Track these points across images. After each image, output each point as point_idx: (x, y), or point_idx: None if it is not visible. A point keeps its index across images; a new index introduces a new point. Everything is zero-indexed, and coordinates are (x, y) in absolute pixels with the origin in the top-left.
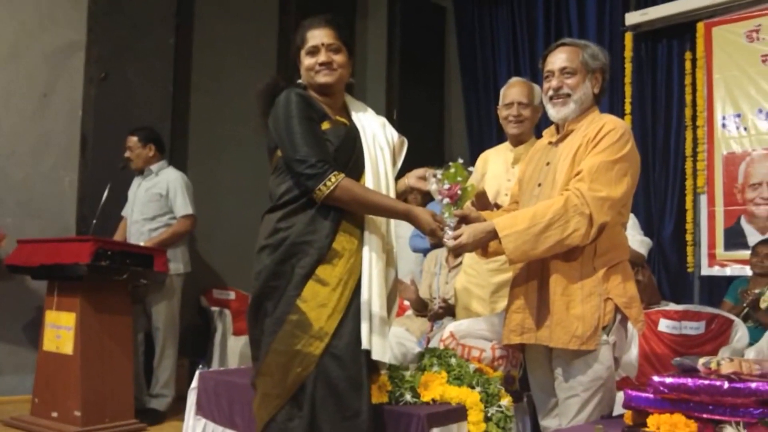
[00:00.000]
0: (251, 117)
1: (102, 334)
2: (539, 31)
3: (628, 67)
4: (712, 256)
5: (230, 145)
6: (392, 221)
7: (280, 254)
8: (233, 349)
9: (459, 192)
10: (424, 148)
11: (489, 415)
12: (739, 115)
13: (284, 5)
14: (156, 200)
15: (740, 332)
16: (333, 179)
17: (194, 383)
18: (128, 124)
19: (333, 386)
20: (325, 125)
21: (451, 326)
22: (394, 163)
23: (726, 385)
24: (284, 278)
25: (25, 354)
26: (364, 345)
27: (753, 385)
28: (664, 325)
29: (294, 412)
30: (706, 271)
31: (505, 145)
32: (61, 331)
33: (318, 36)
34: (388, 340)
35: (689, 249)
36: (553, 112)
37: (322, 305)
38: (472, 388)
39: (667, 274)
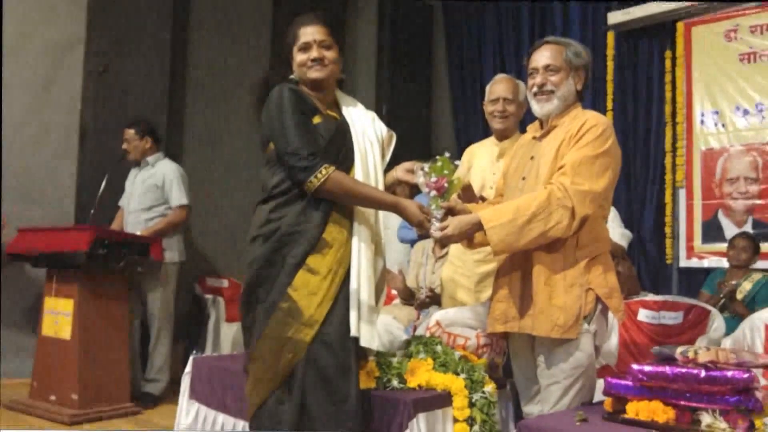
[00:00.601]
0: (245, 110)
1: (99, 320)
2: (524, 30)
3: (611, 65)
4: (690, 249)
5: (224, 138)
6: (381, 213)
7: (272, 244)
8: (226, 335)
9: (445, 185)
10: (412, 142)
11: (473, 401)
12: (717, 113)
13: (277, 2)
14: (152, 191)
15: (717, 322)
16: (324, 172)
17: (188, 368)
18: (126, 116)
19: (322, 372)
20: (317, 119)
21: (437, 315)
22: (383, 156)
23: (703, 373)
24: (276, 267)
25: (25, 339)
26: (353, 332)
27: (729, 373)
28: (644, 315)
29: (284, 396)
30: (684, 263)
31: (491, 140)
32: (59, 317)
33: (310, 33)
34: (376, 328)
35: (668, 241)
36: (537, 108)
37: (313, 293)
38: (457, 374)
39: (647, 265)
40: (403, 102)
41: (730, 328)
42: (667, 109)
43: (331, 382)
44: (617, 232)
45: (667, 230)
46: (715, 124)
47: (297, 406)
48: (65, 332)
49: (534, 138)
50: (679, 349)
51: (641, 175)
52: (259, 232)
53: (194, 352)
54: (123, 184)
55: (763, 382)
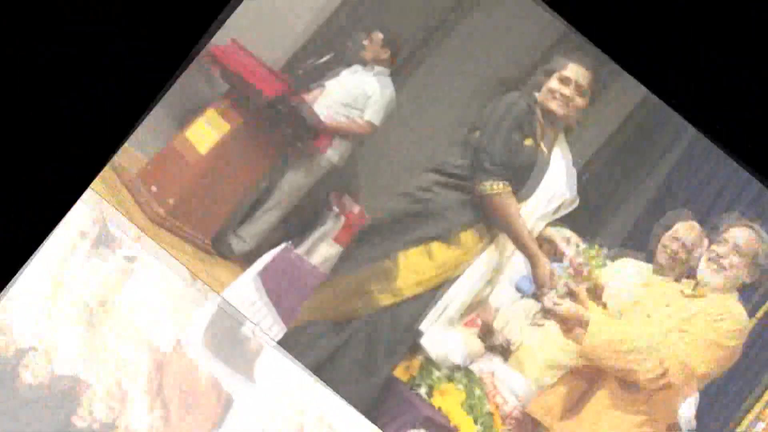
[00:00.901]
0: (483, 88)
1: (238, 159)
2: (739, 202)
3: None
4: None
5: (447, 98)
6: (518, 252)
7: (414, 209)
8: (324, 250)
9: (585, 273)
10: (584, 219)
11: None
12: None
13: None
14: (359, 94)
15: None
16: (501, 186)
17: (273, 251)
18: (388, 21)
19: (373, 338)
20: (528, 142)
21: (496, 366)
22: (556, 212)
23: None
24: (403, 229)
25: (168, 126)
26: (421, 326)
27: None
28: None
29: (327, 332)
30: None
31: (648, 266)
32: (209, 131)
33: (578, 72)
34: (441, 338)
35: None
36: (704, 272)
37: (416, 272)
38: (475, 423)
39: None
40: (602, 183)
41: None
42: None
43: (373, 352)
44: (686, 415)
45: None
46: None
47: (331, 350)
48: (204, 146)
49: (682, 291)
50: None
51: (736, 388)
52: (412, 192)
53: (289, 242)
54: (341, 70)
55: None
